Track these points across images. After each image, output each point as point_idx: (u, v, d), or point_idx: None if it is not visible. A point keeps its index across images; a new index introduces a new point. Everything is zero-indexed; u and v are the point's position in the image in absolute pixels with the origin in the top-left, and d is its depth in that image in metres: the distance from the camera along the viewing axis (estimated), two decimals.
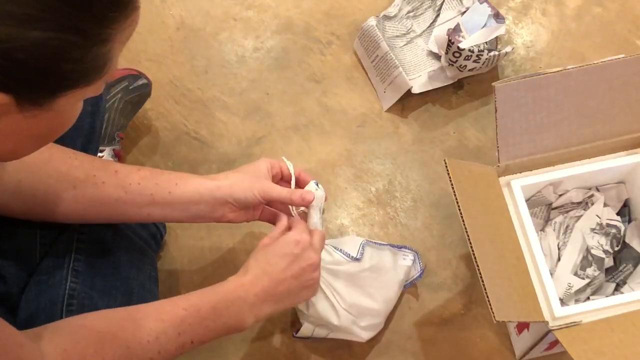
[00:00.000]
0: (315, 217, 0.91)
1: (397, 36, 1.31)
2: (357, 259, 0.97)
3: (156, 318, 0.76)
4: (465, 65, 1.20)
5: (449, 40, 1.18)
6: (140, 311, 0.77)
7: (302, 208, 0.92)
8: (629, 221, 1.09)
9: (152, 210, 0.87)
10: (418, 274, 1.08)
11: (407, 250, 1.07)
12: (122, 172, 0.84)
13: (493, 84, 0.95)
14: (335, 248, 0.98)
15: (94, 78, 0.55)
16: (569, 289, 1.02)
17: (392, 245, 1.06)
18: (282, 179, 0.95)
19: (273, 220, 0.94)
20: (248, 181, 0.88)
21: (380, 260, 1.03)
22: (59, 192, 0.82)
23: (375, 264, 1.01)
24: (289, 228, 0.90)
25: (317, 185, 0.92)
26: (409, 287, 1.09)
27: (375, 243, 1.03)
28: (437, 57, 1.27)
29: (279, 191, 0.89)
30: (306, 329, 1.02)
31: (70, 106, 0.57)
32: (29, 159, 0.75)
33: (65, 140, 0.86)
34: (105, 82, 0.58)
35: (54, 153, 0.82)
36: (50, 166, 0.80)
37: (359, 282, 0.98)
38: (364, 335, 1.03)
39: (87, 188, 0.82)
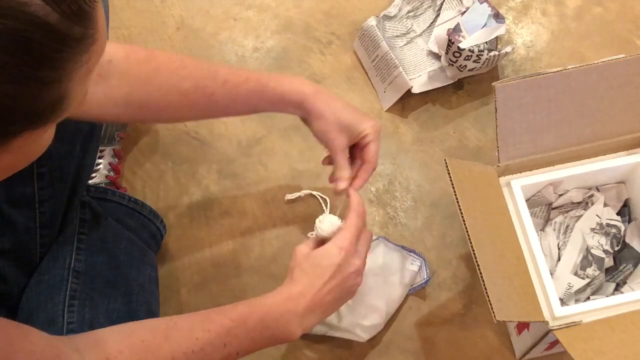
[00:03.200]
0: (325, 223, 0.90)
1: (397, 36, 1.31)
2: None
3: (203, 328, 0.75)
4: (465, 65, 1.20)
5: (449, 40, 1.18)
6: (186, 320, 0.76)
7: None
8: (629, 221, 1.09)
9: (257, 111, 0.91)
10: (424, 281, 1.09)
11: (415, 256, 1.08)
12: (231, 82, 0.86)
13: (493, 84, 0.95)
14: None
15: (49, 118, 0.50)
16: (569, 289, 1.02)
17: (404, 248, 1.07)
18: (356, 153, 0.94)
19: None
20: (327, 127, 0.89)
21: (391, 259, 1.03)
22: (169, 102, 0.83)
23: (385, 262, 1.01)
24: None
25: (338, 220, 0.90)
26: (413, 293, 1.10)
27: (389, 242, 1.03)
28: (437, 57, 1.27)
29: (338, 161, 0.91)
30: None
31: (31, 142, 0.52)
32: (136, 69, 0.79)
33: (64, 141, 0.87)
34: (72, 114, 0.54)
35: (162, 63, 0.82)
36: (160, 77, 0.82)
37: (366, 279, 0.98)
38: (364, 336, 1.03)
39: (198, 98, 0.84)
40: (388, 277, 1.03)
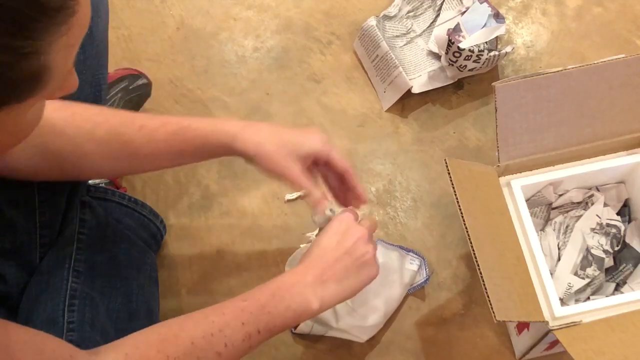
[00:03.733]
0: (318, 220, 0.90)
1: (397, 36, 1.31)
2: None
3: (217, 313, 0.75)
4: (465, 65, 1.20)
5: (449, 40, 1.18)
6: (198, 312, 0.77)
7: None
8: (629, 221, 1.09)
9: (182, 161, 0.86)
10: (423, 280, 1.09)
11: (414, 255, 1.08)
12: (148, 128, 0.82)
13: (493, 84, 0.95)
14: None
15: (29, 92, 0.50)
16: (569, 289, 1.02)
17: (402, 248, 1.06)
18: (317, 164, 0.89)
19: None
20: (276, 159, 0.83)
21: (390, 259, 1.03)
22: (86, 151, 0.80)
23: (383, 262, 1.01)
24: None
25: (333, 210, 0.88)
26: (412, 292, 1.10)
27: (387, 243, 1.03)
28: (437, 57, 1.27)
29: (303, 183, 0.85)
30: (305, 325, 1.02)
31: (14, 118, 0.52)
32: (52, 119, 0.75)
33: None
34: (60, 88, 0.54)
35: (76, 111, 0.80)
36: (74, 125, 0.79)
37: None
38: (363, 337, 1.03)
39: (114, 146, 0.81)
40: (387, 276, 1.03)
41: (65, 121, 0.78)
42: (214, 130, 0.83)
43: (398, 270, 1.05)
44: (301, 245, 1.12)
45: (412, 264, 1.07)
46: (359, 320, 1.01)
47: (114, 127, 0.80)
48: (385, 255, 1.04)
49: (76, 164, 0.82)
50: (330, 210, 0.86)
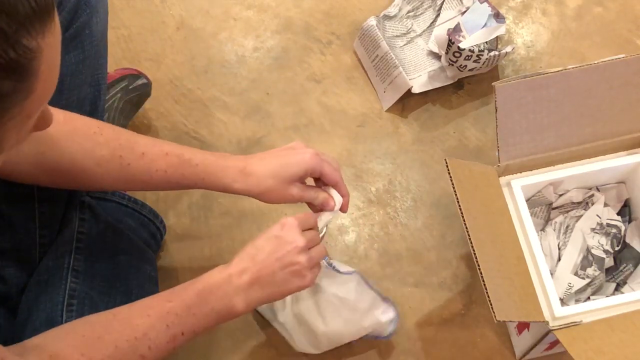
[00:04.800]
0: (321, 223, 0.90)
1: (397, 36, 1.31)
2: (338, 271, 0.95)
3: (142, 314, 0.75)
4: (466, 65, 1.20)
5: (449, 40, 1.18)
6: (124, 310, 0.76)
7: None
8: (629, 221, 1.09)
9: (176, 188, 0.87)
10: (386, 335, 1.02)
11: (390, 307, 1.01)
12: (149, 157, 0.82)
13: (493, 83, 0.95)
14: (326, 261, 0.95)
15: None
16: (569, 289, 1.02)
17: (381, 295, 1.00)
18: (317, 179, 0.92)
19: None
20: (277, 192, 0.86)
21: (361, 299, 0.98)
22: (84, 168, 0.80)
23: (353, 299, 0.96)
24: None
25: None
26: (368, 339, 1.04)
27: (367, 284, 0.98)
28: (437, 57, 1.27)
29: (305, 198, 0.88)
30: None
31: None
32: (52, 130, 0.73)
33: None
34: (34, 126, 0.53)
35: (78, 126, 0.79)
36: (74, 141, 0.78)
37: (321, 298, 0.96)
38: (297, 344, 1.01)
39: (112, 167, 0.81)
40: (348, 313, 0.97)
41: (65, 136, 0.78)
42: (213, 172, 0.85)
43: (362, 313, 0.98)
44: None
45: (383, 315, 1.00)
46: (302, 329, 0.99)
47: (115, 149, 0.80)
48: (359, 294, 0.97)
49: (73, 178, 0.81)
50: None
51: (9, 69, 0.46)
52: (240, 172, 0.86)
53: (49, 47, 0.48)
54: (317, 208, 0.91)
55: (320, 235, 0.90)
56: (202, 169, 0.85)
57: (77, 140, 0.79)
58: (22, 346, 0.69)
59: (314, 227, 0.87)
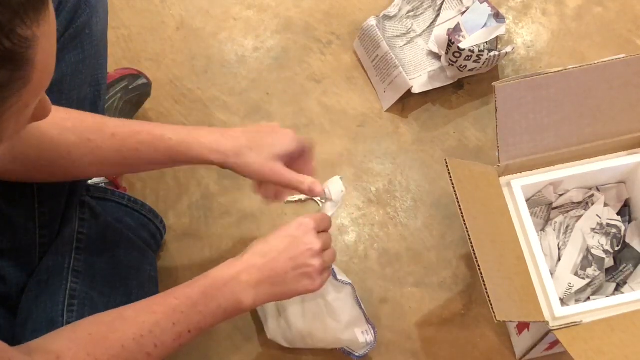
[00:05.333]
0: (328, 213, 0.89)
1: (397, 36, 1.31)
2: (335, 277, 0.94)
3: (148, 311, 0.74)
4: (466, 66, 1.20)
5: (449, 40, 1.18)
6: (131, 309, 0.75)
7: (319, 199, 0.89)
8: (630, 221, 1.09)
9: (153, 167, 0.85)
10: (357, 355, 1.02)
11: (371, 331, 1.00)
12: (119, 137, 0.80)
13: (493, 83, 0.95)
14: None
15: None
16: (569, 289, 1.02)
17: (365, 315, 0.99)
18: (300, 157, 0.89)
19: (275, 197, 0.91)
20: (259, 164, 0.83)
21: (349, 314, 0.97)
22: (55, 158, 0.79)
23: (335, 306, 0.96)
24: None
25: (341, 181, 0.89)
26: (340, 351, 1.03)
27: (357, 299, 0.97)
28: (437, 57, 1.27)
29: (289, 179, 0.85)
30: None
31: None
32: None
33: None
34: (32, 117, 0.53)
35: None
36: (41, 132, 0.76)
37: (309, 295, 0.95)
38: (272, 332, 1.02)
39: (83, 152, 0.79)
40: (331, 320, 0.97)
41: (32, 127, 0.76)
42: (187, 142, 0.82)
43: (344, 325, 0.97)
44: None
45: (362, 335, 0.99)
46: (280, 320, 1.00)
47: (83, 133, 0.79)
48: (346, 305, 0.97)
49: (43, 169, 0.80)
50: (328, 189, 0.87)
51: (5, 58, 0.45)
52: (217, 141, 0.83)
53: (45, 35, 0.48)
54: (304, 192, 0.88)
55: None
56: (176, 142, 0.82)
57: (44, 130, 0.77)
58: (28, 346, 0.68)
59: (328, 229, 0.86)
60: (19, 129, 0.52)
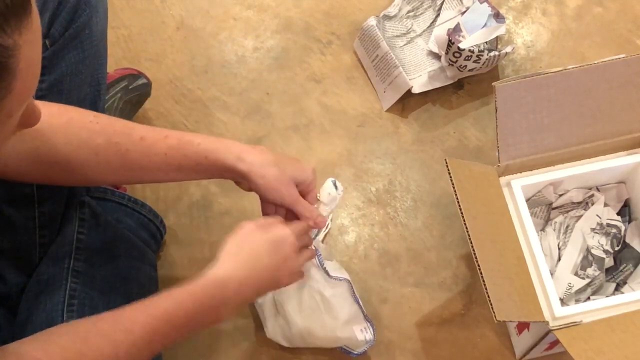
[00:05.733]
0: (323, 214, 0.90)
1: (397, 36, 1.31)
2: (327, 274, 0.95)
3: (125, 329, 0.70)
4: (466, 66, 1.20)
5: (449, 40, 1.18)
6: (107, 321, 0.71)
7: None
8: (629, 221, 1.09)
9: (178, 176, 0.83)
10: (354, 353, 1.02)
11: (370, 328, 1.00)
12: (148, 141, 0.79)
13: (493, 83, 0.95)
14: (319, 261, 0.94)
15: None
16: (569, 289, 1.02)
17: (363, 312, 0.99)
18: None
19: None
20: (279, 182, 0.82)
21: (347, 311, 0.97)
22: (81, 159, 0.77)
23: (332, 302, 0.95)
24: None
25: (336, 184, 0.89)
26: (338, 350, 1.03)
27: (354, 295, 0.97)
28: (437, 57, 1.27)
29: (303, 206, 0.85)
30: None
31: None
32: (46, 124, 0.72)
33: None
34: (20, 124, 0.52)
35: (73, 117, 0.77)
36: (70, 132, 0.76)
37: (306, 292, 0.95)
38: (271, 332, 1.01)
39: (110, 155, 0.78)
40: (329, 317, 0.96)
41: (60, 128, 0.76)
42: (217, 149, 0.81)
43: (342, 323, 0.97)
44: None
45: (361, 333, 0.99)
46: (278, 319, 1.00)
47: (112, 136, 0.78)
48: (344, 301, 0.97)
49: (68, 171, 0.79)
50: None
51: None
52: (246, 151, 0.82)
53: (27, 43, 0.47)
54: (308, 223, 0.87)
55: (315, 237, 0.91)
56: (204, 147, 0.81)
57: (73, 131, 0.76)
58: (5, 349, 0.65)
59: (306, 230, 0.87)
60: (4, 138, 0.51)
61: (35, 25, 0.48)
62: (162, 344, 0.74)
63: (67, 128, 0.76)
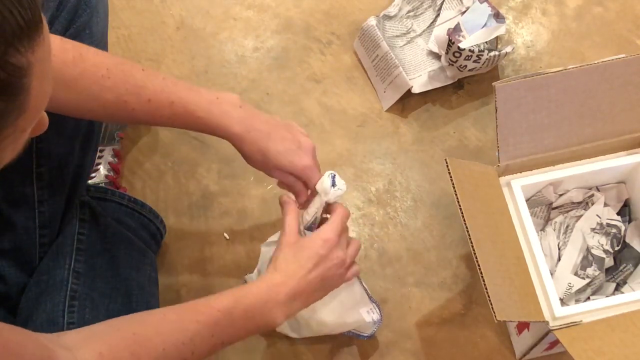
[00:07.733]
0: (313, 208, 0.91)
1: (397, 36, 1.31)
2: None
3: (191, 319, 0.76)
4: (466, 65, 1.20)
5: (449, 40, 1.18)
6: (175, 312, 0.77)
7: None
8: (629, 221, 1.09)
9: (186, 129, 0.89)
10: (365, 335, 1.02)
11: (376, 308, 1.01)
12: (155, 104, 0.82)
13: (493, 83, 0.95)
14: None
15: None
16: (569, 289, 1.02)
17: (368, 293, 1.00)
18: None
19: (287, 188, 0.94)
20: (291, 155, 0.89)
21: (348, 291, 0.97)
22: (89, 108, 0.81)
23: (338, 288, 0.94)
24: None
25: (334, 180, 0.90)
26: (348, 335, 1.03)
27: (361, 283, 0.98)
28: (437, 57, 1.27)
29: (290, 181, 0.91)
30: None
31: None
32: (60, 71, 0.75)
33: (63, 141, 0.87)
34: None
35: (87, 68, 0.78)
36: (81, 84, 0.78)
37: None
38: (293, 335, 1.02)
39: (117, 110, 0.82)
40: (336, 303, 0.96)
41: (73, 78, 0.77)
42: (219, 126, 0.85)
43: (348, 307, 0.98)
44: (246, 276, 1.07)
45: (368, 314, 0.99)
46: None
47: (121, 95, 0.80)
48: (349, 286, 0.97)
49: (78, 112, 0.82)
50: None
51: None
52: (248, 133, 0.86)
53: (40, 61, 0.46)
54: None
55: (313, 221, 0.91)
56: (207, 122, 0.85)
57: (85, 83, 0.78)
58: (62, 340, 0.68)
59: (346, 229, 0.90)
60: (17, 151, 0.51)
61: (46, 40, 0.47)
62: (222, 339, 0.78)
63: (79, 80, 0.77)
